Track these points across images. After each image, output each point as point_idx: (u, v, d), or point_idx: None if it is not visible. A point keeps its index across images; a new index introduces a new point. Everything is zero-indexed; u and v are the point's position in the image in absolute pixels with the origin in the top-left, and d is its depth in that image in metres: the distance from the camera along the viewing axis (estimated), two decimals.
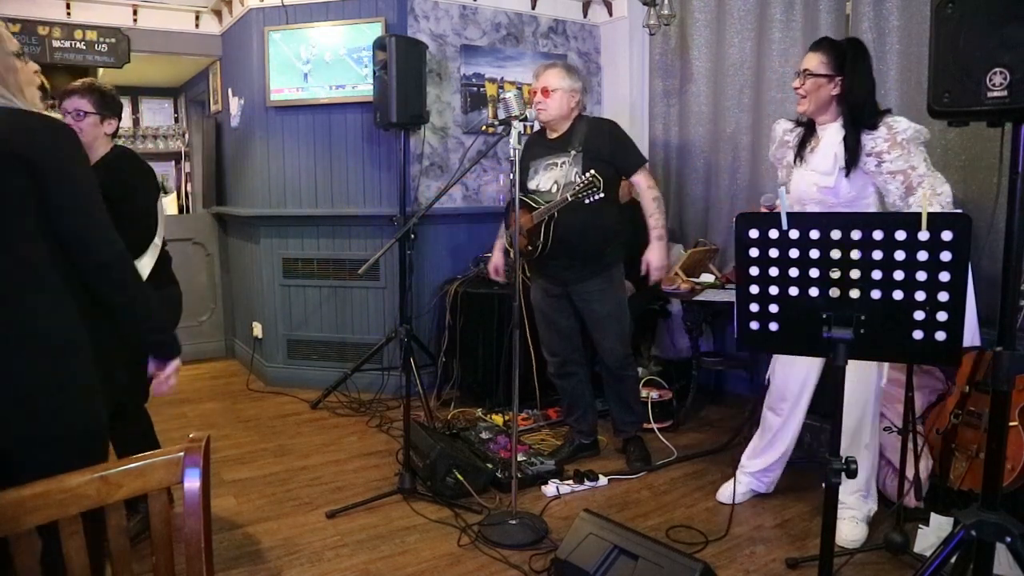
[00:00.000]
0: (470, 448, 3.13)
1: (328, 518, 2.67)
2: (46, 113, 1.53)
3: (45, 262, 1.43)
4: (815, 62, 2.36)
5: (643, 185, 2.96)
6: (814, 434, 3.04)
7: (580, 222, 2.85)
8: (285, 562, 2.38)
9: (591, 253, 2.95)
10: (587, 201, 2.70)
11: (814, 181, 2.40)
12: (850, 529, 2.43)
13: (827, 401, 2.64)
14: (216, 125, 5.09)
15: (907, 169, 2.22)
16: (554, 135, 3.04)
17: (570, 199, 2.74)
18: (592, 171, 2.69)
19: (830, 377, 2.50)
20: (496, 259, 3.31)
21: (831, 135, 2.39)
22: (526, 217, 2.95)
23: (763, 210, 2.44)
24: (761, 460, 2.75)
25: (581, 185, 2.69)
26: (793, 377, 2.61)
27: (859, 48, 2.36)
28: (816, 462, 2.97)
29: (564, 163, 2.95)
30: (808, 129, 2.48)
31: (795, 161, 2.50)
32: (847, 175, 2.33)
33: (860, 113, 2.31)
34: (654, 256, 2.92)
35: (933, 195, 2.18)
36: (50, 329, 1.44)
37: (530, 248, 2.97)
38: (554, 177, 2.96)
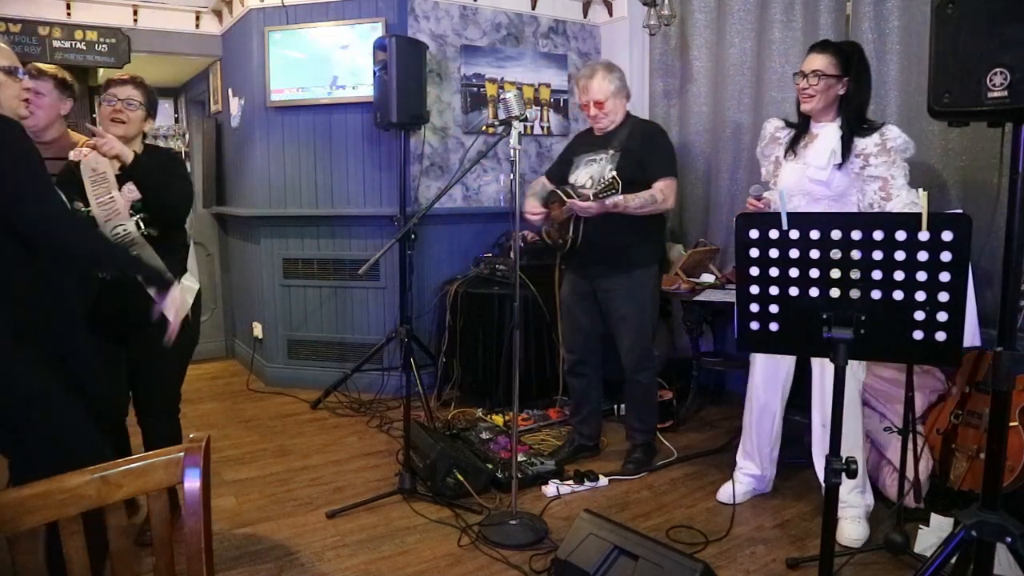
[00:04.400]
0: (470, 448, 3.13)
1: (328, 518, 2.67)
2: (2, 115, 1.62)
3: None
4: (825, 63, 2.42)
5: (655, 187, 2.88)
6: (811, 433, 3.04)
7: (610, 220, 2.83)
8: (285, 562, 2.38)
9: (618, 251, 2.94)
10: (607, 202, 2.71)
11: (807, 174, 2.48)
12: (852, 528, 2.43)
13: (803, 396, 2.69)
14: (216, 125, 5.09)
15: (887, 177, 2.34)
16: (600, 132, 3.06)
17: (592, 198, 2.74)
18: (614, 173, 2.73)
19: (812, 374, 2.56)
20: (529, 205, 3.07)
21: (829, 133, 2.46)
22: (559, 210, 2.99)
23: (751, 200, 2.51)
24: (753, 461, 2.79)
25: (602, 185, 2.71)
26: (769, 374, 2.68)
27: (862, 51, 2.47)
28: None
29: (602, 160, 2.98)
30: (802, 128, 2.56)
31: (785, 156, 2.58)
32: (840, 168, 2.42)
33: (857, 115, 2.42)
34: (585, 203, 2.75)
35: (911, 206, 2.28)
36: None
37: (561, 242, 3.00)
38: (590, 173, 2.99)
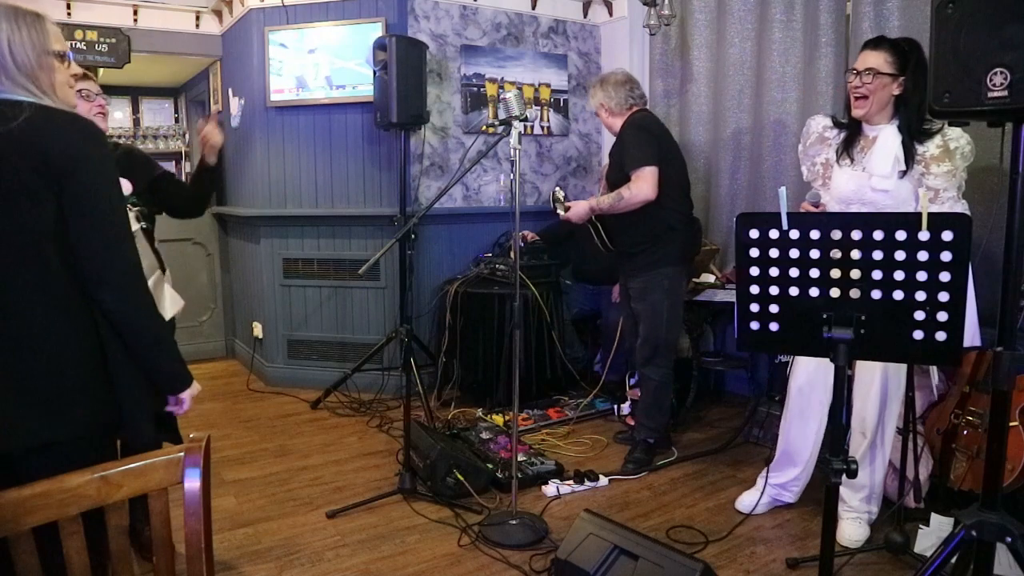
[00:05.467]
0: (470, 448, 3.13)
1: (328, 518, 2.67)
2: (75, 112, 1.47)
3: (54, 261, 1.39)
4: (879, 60, 2.25)
5: (629, 182, 2.94)
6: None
7: (618, 222, 3.02)
8: (285, 562, 2.38)
9: (632, 254, 3.07)
10: (569, 213, 3.03)
11: (870, 184, 2.31)
12: (853, 529, 2.43)
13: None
14: (216, 125, 5.07)
15: (940, 189, 2.21)
16: None
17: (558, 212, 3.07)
18: (555, 189, 3.09)
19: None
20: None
21: (888, 137, 2.29)
22: None
23: (807, 205, 2.32)
24: (781, 473, 2.66)
25: (552, 199, 3.02)
26: (812, 385, 2.53)
27: (920, 48, 2.26)
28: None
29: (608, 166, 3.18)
30: (853, 130, 2.39)
31: (839, 160, 2.41)
32: (902, 177, 2.27)
33: (918, 117, 2.26)
34: (578, 206, 3.05)
35: None
36: (50, 335, 1.39)
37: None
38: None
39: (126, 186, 2.22)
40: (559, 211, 3.04)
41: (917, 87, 2.23)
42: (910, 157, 2.25)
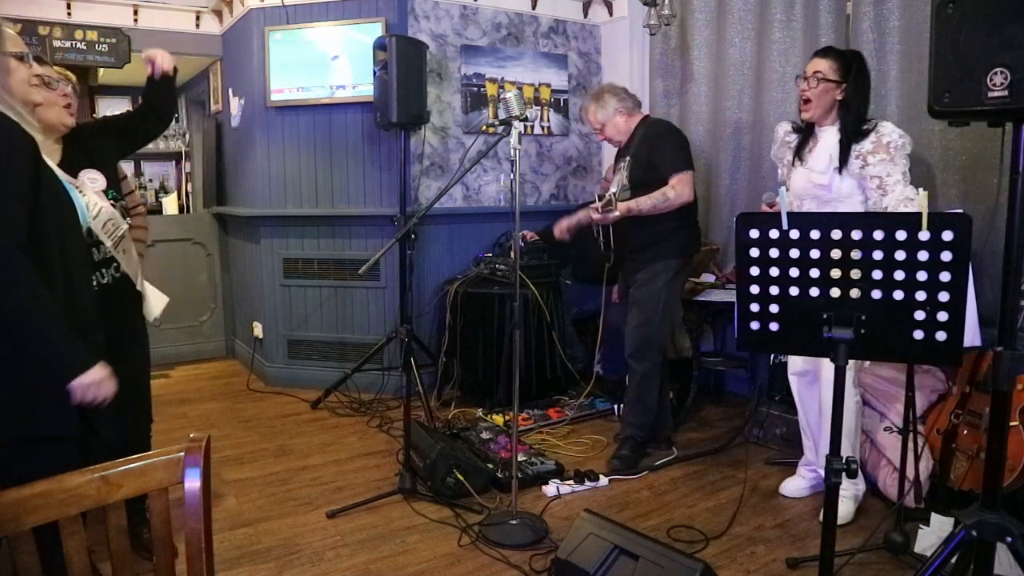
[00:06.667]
0: (470, 448, 3.13)
1: (328, 518, 2.67)
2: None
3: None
4: (825, 66, 2.49)
5: (668, 184, 2.97)
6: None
7: (628, 221, 3.02)
8: (285, 562, 2.38)
9: (640, 248, 3.09)
10: (611, 215, 2.92)
11: (810, 179, 2.55)
12: (840, 507, 2.43)
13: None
14: (216, 125, 5.09)
15: (883, 176, 2.38)
16: (618, 145, 3.26)
17: (599, 211, 2.95)
18: (613, 191, 3.02)
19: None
20: (569, 220, 3.25)
21: (828, 137, 2.53)
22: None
23: (764, 208, 2.56)
24: (808, 463, 2.83)
25: (604, 200, 2.92)
26: (799, 375, 2.71)
27: (862, 59, 2.53)
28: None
29: (622, 168, 3.16)
30: (807, 133, 2.62)
31: (793, 161, 2.64)
32: (840, 173, 2.48)
33: (855, 120, 2.46)
34: (596, 215, 2.99)
35: (906, 200, 2.33)
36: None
37: (603, 251, 3.23)
38: (617, 180, 3.18)
39: (99, 180, 2.12)
40: (605, 210, 2.90)
41: (856, 93, 2.47)
42: (845, 155, 2.45)
